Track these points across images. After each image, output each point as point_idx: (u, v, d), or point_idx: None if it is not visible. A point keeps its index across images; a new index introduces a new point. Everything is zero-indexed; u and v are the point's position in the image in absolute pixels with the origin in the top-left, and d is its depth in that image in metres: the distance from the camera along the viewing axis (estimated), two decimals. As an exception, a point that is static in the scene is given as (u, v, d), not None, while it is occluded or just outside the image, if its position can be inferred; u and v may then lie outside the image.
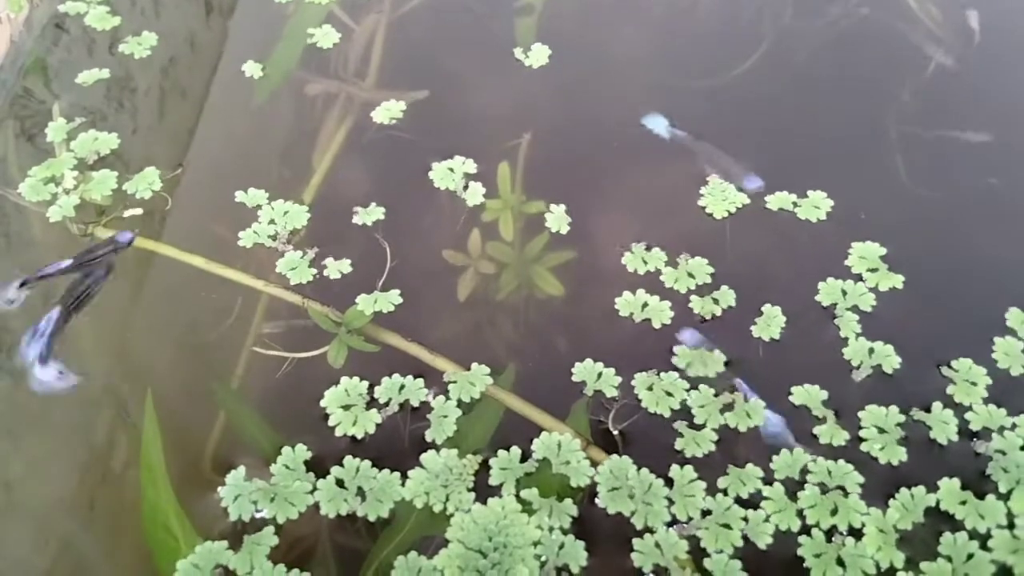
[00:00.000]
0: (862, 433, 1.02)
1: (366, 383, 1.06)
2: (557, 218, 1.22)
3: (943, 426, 1.01)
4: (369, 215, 1.23)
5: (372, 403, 1.05)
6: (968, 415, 1.02)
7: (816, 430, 1.03)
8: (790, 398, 1.05)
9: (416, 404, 1.04)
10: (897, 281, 1.14)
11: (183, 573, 0.93)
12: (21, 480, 1.02)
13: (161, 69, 1.45)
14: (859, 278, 1.15)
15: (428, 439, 1.01)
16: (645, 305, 1.12)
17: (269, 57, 1.45)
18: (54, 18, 1.52)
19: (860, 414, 1.03)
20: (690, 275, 1.15)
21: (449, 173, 1.27)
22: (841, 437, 1.01)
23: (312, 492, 0.98)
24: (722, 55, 1.43)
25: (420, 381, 1.06)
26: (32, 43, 1.48)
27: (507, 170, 1.28)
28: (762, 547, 0.94)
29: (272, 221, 1.22)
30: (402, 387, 1.05)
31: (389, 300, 1.13)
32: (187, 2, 1.56)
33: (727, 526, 0.95)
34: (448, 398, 1.04)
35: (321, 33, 1.48)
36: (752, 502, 0.97)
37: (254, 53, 1.46)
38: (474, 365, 1.07)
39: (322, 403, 1.04)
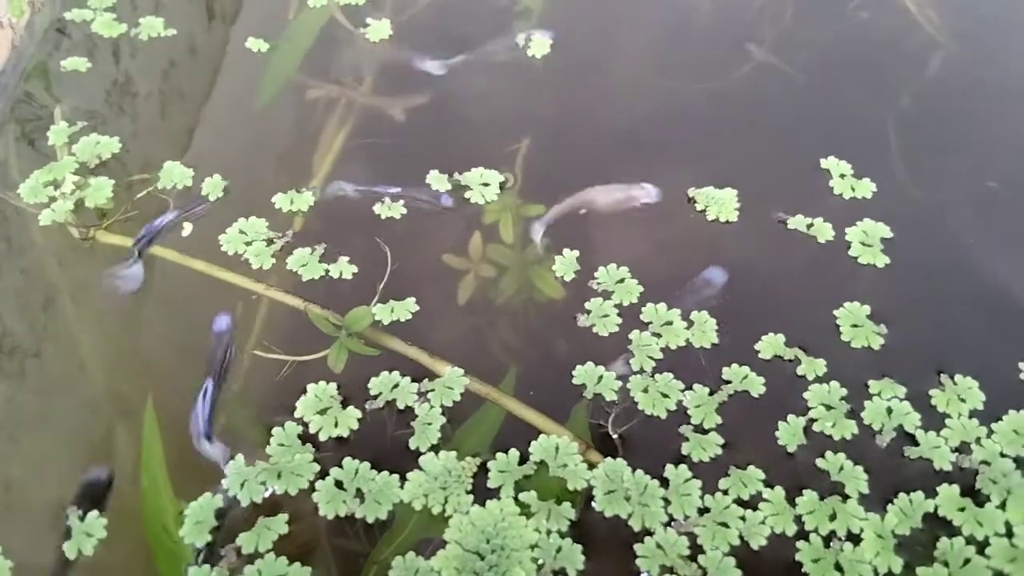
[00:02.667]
0: (812, 413, 1.03)
1: (334, 384, 1.06)
2: (566, 263, 1.18)
3: (936, 451, 1.00)
4: (390, 210, 1.23)
5: (347, 401, 1.05)
6: (944, 432, 1.02)
7: (799, 370, 1.06)
8: (759, 355, 1.08)
9: (401, 407, 1.04)
10: (882, 261, 1.16)
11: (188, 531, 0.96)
12: (21, 480, 1.03)
13: (162, 73, 1.46)
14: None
15: (412, 447, 1.01)
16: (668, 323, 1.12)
17: (270, 62, 1.46)
18: (56, 23, 1.52)
19: (806, 395, 1.05)
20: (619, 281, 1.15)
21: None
22: (820, 368, 1.06)
23: (313, 461, 1.00)
24: (722, 58, 1.43)
25: (414, 385, 1.06)
26: (34, 48, 1.49)
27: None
28: (755, 547, 0.94)
29: (249, 244, 1.21)
30: (396, 385, 1.06)
31: (406, 308, 1.13)
32: (189, 7, 1.57)
33: (724, 524, 0.95)
34: (432, 405, 1.04)
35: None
36: (751, 504, 0.97)
37: (255, 59, 1.46)
38: (447, 369, 1.07)
39: (296, 414, 1.04)
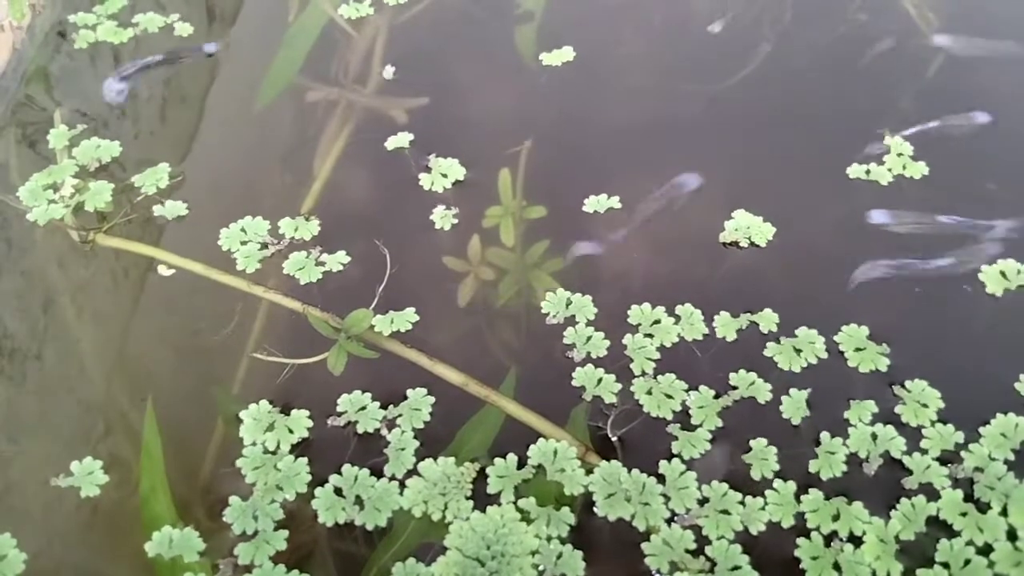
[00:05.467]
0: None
1: (265, 400, 1.05)
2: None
3: (928, 472, 0.98)
4: (443, 219, 1.23)
5: (285, 409, 1.05)
6: (923, 443, 1.00)
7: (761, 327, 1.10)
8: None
9: (362, 431, 1.03)
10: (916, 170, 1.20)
11: (159, 538, 0.96)
12: (21, 482, 1.03)
13: (162, 76, 1.46)
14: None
15: (388, 474, 1.00)
16: (656, 321, 1.11)
17: (270, 64, 1.46)
18: (56, 26, 1.52)
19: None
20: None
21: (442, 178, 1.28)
22: (773, 320, 1.10)
23: (297, 460, 1.00)
24: (722, 61, 1.43)
25: (380, 412, 1.04)
26: (34, 50, 1.49)
27: (508, 176, 1.28)
28: (754, 533, 0.94)
29: (244, 244, 1.21)
30: (363, 408, 1.05)
31: (406, 319, 1.12)
32: (188, 9, 1.57)
33: (726, 512, 0.95)
34: (403, 430, 1.03)
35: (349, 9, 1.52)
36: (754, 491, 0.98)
37: (255, 61, 1.46)
38: (410, 392, 1.06)
39: (246, 442, 1.02)
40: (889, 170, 1.26)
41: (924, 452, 1.00)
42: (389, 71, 1.41)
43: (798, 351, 1.08)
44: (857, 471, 0.99)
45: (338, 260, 1.18)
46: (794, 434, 1.02)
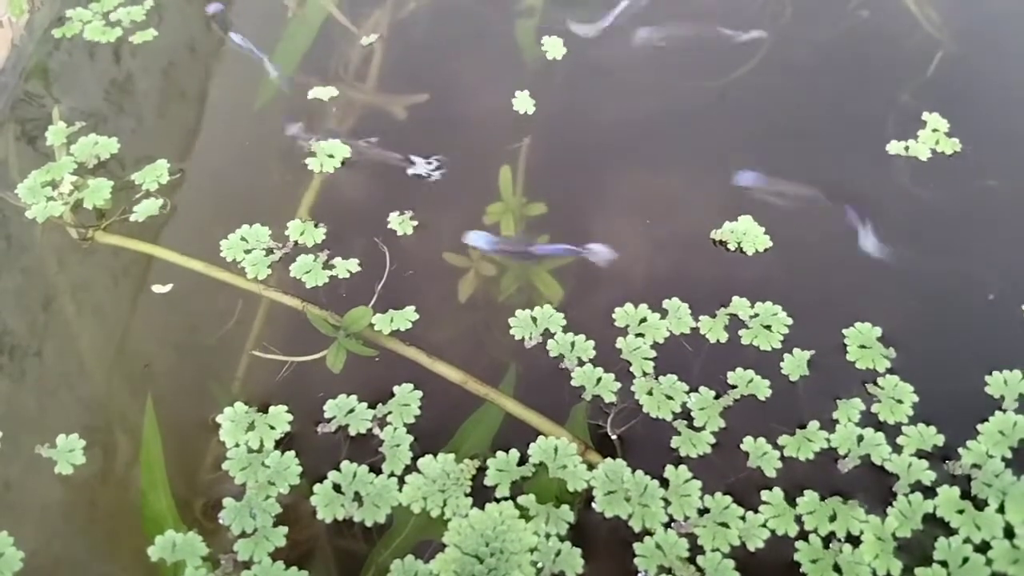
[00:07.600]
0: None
1: (239, 402, 1.05)
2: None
3: (910, 471, 0.98)
4: (402, 225, 1.22)
5: (263, 409, 1.04)
6: (900, 439, 1.00)
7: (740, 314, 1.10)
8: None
9: (354, 433, 1.03)
10: None
11: (162, 543, 0.96)
12: (21, 480, 1.03)
13: (162, 72, 1.46)
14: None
15: (386, 471, 1.00)
16: (643, 320, 1.11)
17: (269, 59, 1.45)
18: (55, 22, 1.52)
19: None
20: None
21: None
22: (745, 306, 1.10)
23: (284, 454, 1.00)
24: (722, 57, 1.43)
25: (370, 412, 1.04)
26: (33, 46, 1.48)
27: (508, 173, 1.28)
28: (751, 549, 0.94)
29: (248, 252, 1.20)
30: (351, 411, 1.05)
31: (406, 317, 1.12)
32: (187, 5, 1.56)
33: (725, 525, 0.95)
34: (395, 427, 1.03)
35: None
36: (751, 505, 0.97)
37: (254, 58, 1.46)
38: (396, 388, 1.06)
39: (228, 445, 1.02)
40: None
41: (900, 450, 0.99)
42: (372, 37, 1.42)
43: (767, 327, 1.09)
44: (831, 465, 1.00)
45: (347, 267, 1.17)
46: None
